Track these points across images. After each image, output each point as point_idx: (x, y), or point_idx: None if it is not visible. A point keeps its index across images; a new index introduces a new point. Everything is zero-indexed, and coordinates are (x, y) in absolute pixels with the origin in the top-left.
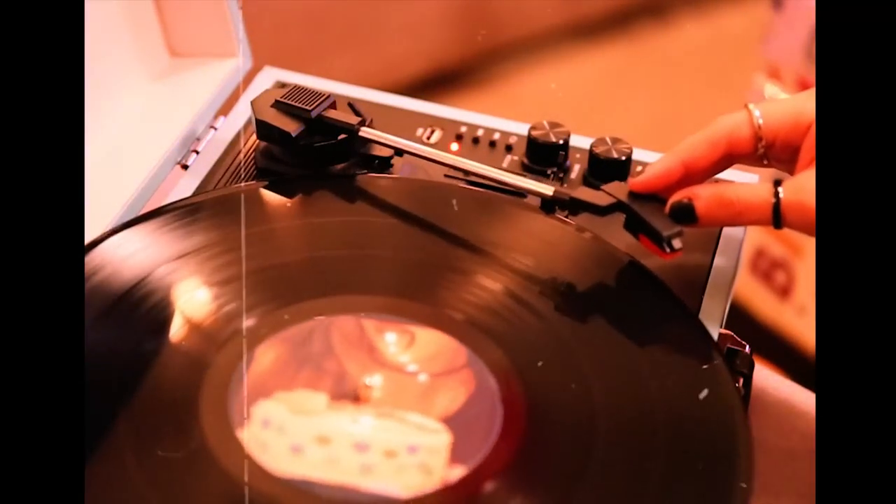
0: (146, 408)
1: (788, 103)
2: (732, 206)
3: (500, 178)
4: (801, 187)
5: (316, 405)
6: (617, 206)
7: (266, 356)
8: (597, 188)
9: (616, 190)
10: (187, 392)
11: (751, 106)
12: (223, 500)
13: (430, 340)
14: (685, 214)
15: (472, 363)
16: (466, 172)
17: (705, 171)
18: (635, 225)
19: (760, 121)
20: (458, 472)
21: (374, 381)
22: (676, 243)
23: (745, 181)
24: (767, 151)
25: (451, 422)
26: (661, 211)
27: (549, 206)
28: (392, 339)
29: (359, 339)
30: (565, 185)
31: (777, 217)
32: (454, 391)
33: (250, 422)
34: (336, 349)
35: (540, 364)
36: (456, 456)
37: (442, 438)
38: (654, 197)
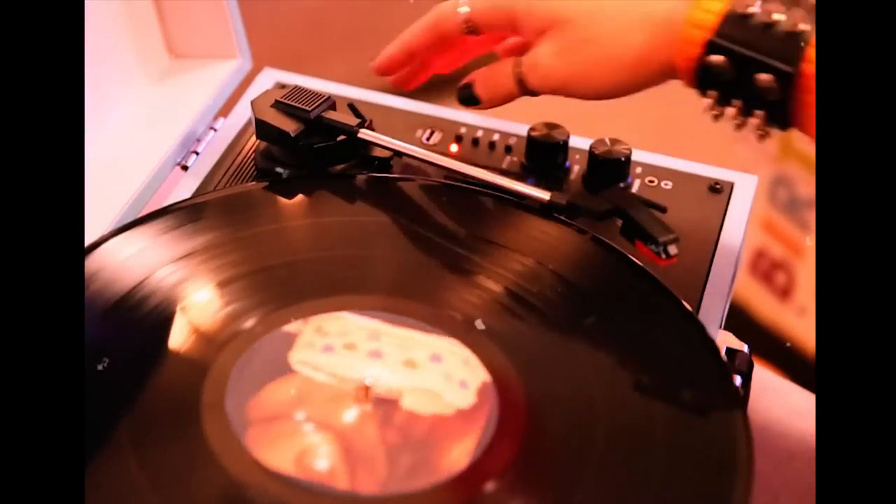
0: (147, 408)
1: None
2: (497, 87)
3: (497, 183)
4: (533, 62)
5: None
6: (614, 212)
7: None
8: (596, 189)
9: (613, 195)
10: (188, 393)
11: None
12: (224, 499)
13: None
14: (469, 98)
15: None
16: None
17: (426, 51)
18: (632, 230)
19: (466, 10)
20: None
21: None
22: (672, 249)
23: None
24: (479, 33)
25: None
26: (658, 217)
27: (546, 210)
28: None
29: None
30: (564, 189)
31: (524, 87)
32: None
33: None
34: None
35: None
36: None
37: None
38: (650, 203)
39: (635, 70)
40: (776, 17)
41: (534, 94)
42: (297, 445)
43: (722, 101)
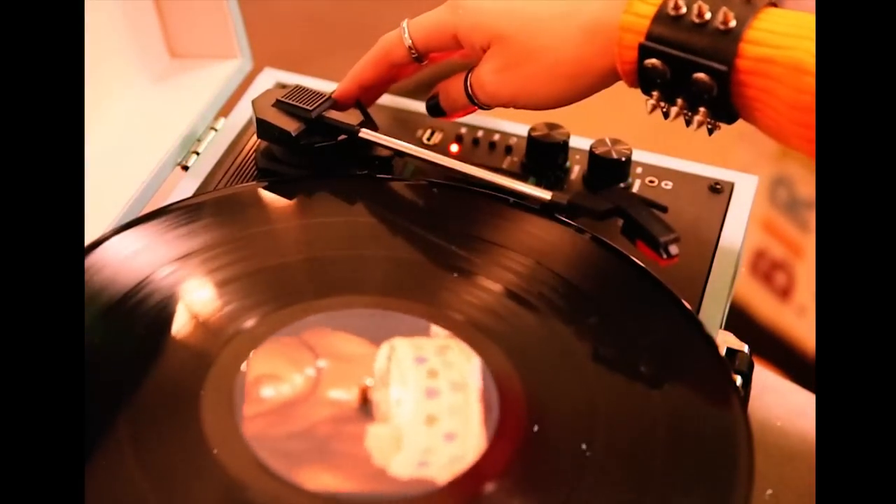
0: (147, 408)
1: (430, 18)
2: (454, 100)
3: (498, 183)
4: (479, 79)
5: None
6: (614, 212)
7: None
8: (596, 189)
9: (614, 195)
10: (188, 392)
11: (404, 24)
12: (223, 499)
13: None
14: (436, 109)
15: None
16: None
17: (379, 84)
18: (633, 230)
19: (409, 40)
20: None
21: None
22: (673, 249)
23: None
24: (424, 58)
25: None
26: (659, 217)
27: (547, 210)
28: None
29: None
30: (564, 189)
31: (471, 98)
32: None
33: None
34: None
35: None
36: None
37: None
38: (651, 203)
39: (578, 79)
40: (707, 15)
41: (486, 108)
42: (281, 370)
43: (666, 100)
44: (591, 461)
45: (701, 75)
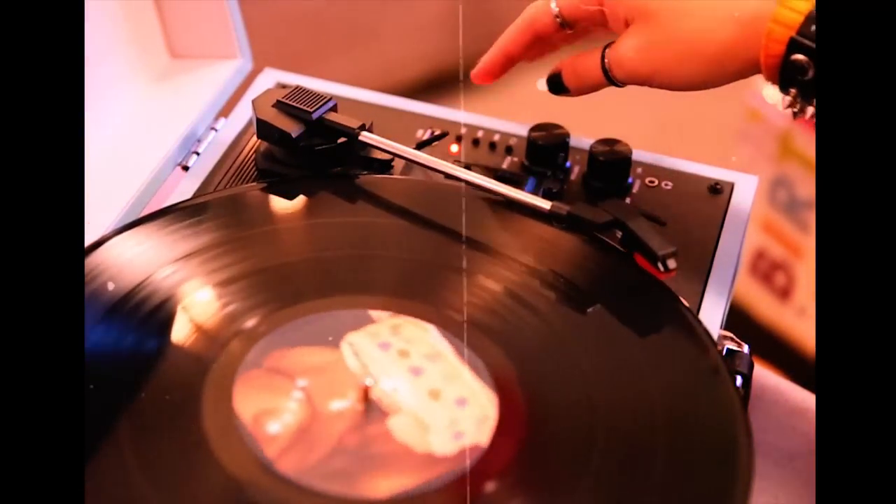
0: (148, 409)
1: None
2: (582, 75)
3: (498, 191)
4: (617, 51)
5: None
6: (613, 224)
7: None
8: (597, 190)
9: (613, 207)
10: (189, 393)
11: None
12: (223, 498)
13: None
14: (558, 86)
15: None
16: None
17: (524, 53)
18: (631, 242)
19: (556, 7)
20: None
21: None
22: (671, 263)
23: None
24: (573, 27)
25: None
26: (657, 230)
27: (546, 220)
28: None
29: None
30: (564, 189)
31: (608, 77)
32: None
33: None
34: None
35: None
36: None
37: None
38: (650, 216)
39: (719, 66)
40: None
41: (619, 84)
42: (271, 403)
43: (803, 97)
44: (591, 461)
45: None
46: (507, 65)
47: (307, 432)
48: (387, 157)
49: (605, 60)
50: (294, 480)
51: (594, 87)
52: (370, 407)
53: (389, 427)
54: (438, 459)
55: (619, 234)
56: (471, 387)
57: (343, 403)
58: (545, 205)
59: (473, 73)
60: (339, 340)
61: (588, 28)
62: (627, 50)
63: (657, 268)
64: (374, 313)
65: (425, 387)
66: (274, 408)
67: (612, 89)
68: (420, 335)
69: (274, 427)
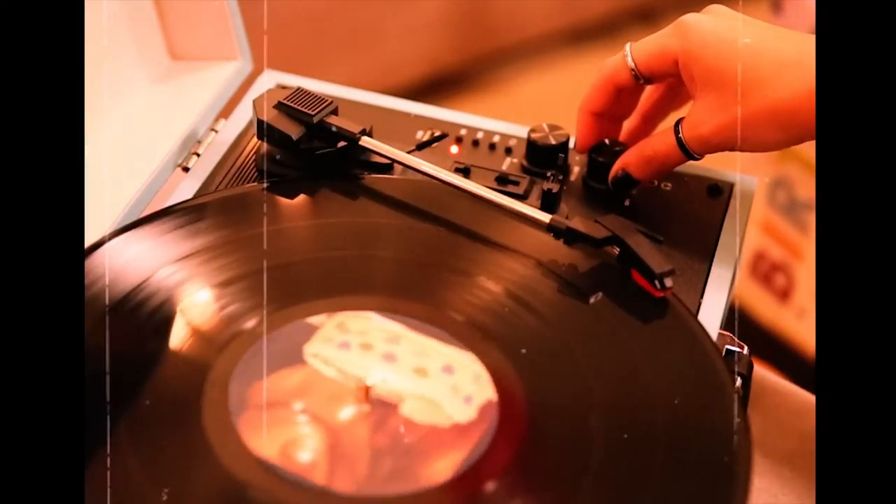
0: (148, 409)
1: (654, 42)
2: (655, 158)
3: (498, 202)
4: (693, 122)
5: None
6: (611, 240)
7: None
8: (596, 191)
9: (612, 223)
10: (190, 393)
11: (627, 47)
12: (223, 498)
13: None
14: (626, 183)
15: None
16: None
17: (609, 110)
18: (628, 259)
19: (632, 63)
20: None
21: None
22: (667, 282)
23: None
24: (651, 80)
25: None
26: (655, 248)
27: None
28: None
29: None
30: (564, 190)
31: (686, 152)
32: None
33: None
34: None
35: (523, 351)
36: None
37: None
38: (648, 234)
39: (806, 129)
40: None
41: (697, 158)
42: (287, 434)
43: None
44: (590, 462)
45: None
46: (598, 125)
47: (337, 448)
48: (387, 162)
49: (680, 135)
50: (361, 496)
51: (670, 169)
52: (376, 405)
53: (407, 415)
54: (467, 426)
55: (616, 250)
56: (446, 353)
57: (350, 410)
58: (545, 218)
59: (573, 146)
60: (301, 355)
61: (671, 82)
62: (704, 123)
63: (654, 286)
64: (311, 319)
65: (408, 368)
66: (293, 438)
67: None
68: (366, 324)
69: (305, 455)
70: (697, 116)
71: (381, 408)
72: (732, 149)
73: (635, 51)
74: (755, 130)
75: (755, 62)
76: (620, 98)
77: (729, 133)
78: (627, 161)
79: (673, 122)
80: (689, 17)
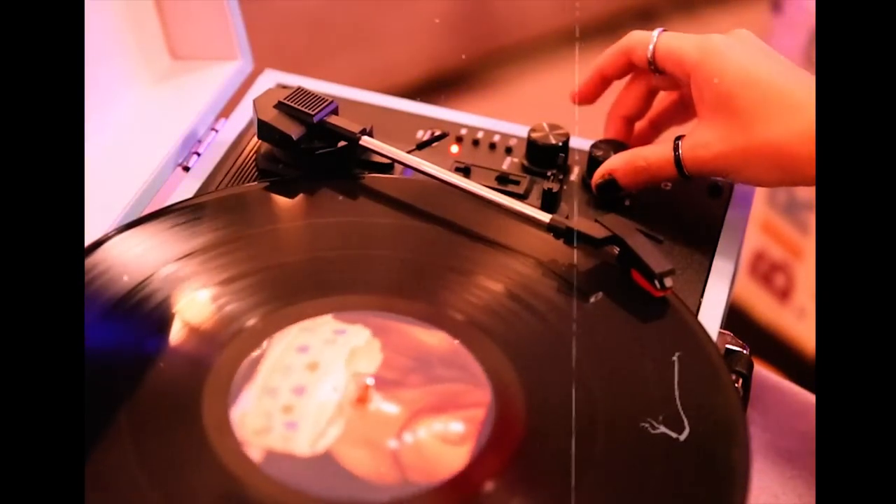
0: (148, 408)
1: (678, 42)
2: (646, 169)
3: (498, 202)
4: (694, 143)
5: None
6: (612, 240)
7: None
8: (595, 192)
9: (612, 223)
10: (190, 392)
11: (656, 32)
12: (223, 497)
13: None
14: (610, 188)
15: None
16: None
17: (615, 75)
18: (628, 259)
19: (651, 48)
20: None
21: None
22: (667, 282)
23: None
24: (660, 73)
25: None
26: (655, 248)
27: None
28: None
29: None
30: (564, 190)
31: (680, 170)
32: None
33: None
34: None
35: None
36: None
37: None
38: (648, 234)
39: (800, 174)
40: None
41: (687, 178)
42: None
43: None
44: (590, 462)
45: None
46: (602, 86)
47: (373, 443)
48: (387, 161)
49: (679, 153)
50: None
51: (657, 182)
52: (379, 397)
53: (417, 395)
54: (472, 389)
55: (616, 250)
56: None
57: (365, 407)
58: (545, 217)
59: (572, 94)
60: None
61: (678, 84)
62: (705, 147)
63: (654, 286)
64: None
65: (376, 353)
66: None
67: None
68: (320, 330)
69: (356, 454)
70: (700, 138)
71: (385, 397)
72: (726, 178)
73: (661, 40)
74: (754, 166)
75: (766, 98)
76: (626, 72)
77: (728, 163)
78: (615, 167)
79: (669, 135)
80: (718, 39)
